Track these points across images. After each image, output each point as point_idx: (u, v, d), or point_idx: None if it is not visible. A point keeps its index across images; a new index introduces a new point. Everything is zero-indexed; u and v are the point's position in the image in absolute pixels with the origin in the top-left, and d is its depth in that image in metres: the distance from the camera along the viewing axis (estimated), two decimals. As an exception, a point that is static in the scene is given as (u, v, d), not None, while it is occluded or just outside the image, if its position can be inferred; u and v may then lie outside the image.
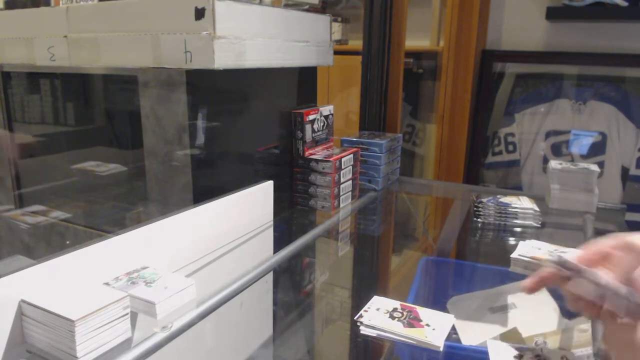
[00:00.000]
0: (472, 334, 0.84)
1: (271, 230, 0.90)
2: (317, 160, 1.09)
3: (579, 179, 1.13)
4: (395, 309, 0.70)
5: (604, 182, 1.60)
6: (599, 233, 1.03)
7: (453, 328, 0.71)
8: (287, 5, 1.05)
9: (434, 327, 0.66)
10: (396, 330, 0.65)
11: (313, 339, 0.85)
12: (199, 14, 0.80)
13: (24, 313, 0.53)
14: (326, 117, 1.17)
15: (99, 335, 0.52)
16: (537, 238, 0.91)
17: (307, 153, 1.11)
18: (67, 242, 1.06)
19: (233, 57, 0.85)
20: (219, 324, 0.73)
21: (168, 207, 0.91)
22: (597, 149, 1.64)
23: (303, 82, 1.16)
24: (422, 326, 0.66)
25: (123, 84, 0.99)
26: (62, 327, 0.50)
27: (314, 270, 1.00)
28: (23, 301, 0.52)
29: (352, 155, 1.15)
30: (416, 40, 1.96)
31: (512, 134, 1.75)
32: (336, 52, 1.21)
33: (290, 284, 0.93)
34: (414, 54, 1.96)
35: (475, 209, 1.12)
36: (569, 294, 0.51)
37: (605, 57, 1.60)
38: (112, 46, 0.89)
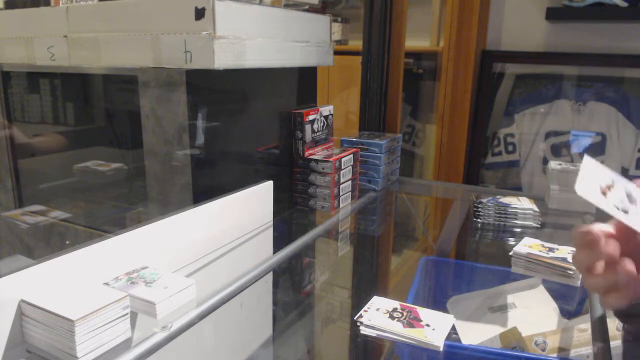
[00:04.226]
0: (472, 334, 0.84)
1: (271, 230, 0.90)
2: (316, 161, 1.09)
3: (578, 180, 1.13)
4: (395, 309, 0.70)
5: (603, 183, 1.60)
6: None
7: (453, 328, 0.71)
8: (287, 5, 1.05)
9: (434, 327, 0.66)
10: (396, 330, 0.65)
11: (313, 339, 0.85)
12: (199, 14, 0.80)
13: (24, 313, 0.53)
14: (326, 117, 1.17)
15: (99, 335, 0.52)
16: (537, 238, 0.91)
17: (307, 153, 1.11)
18: (67, 242, 1.06)
19: (233, 57, 0.85)
20: (219, 324, 0.73)
21: (168, 207, 0.91)
22: (596, 150, 1.64)
23: (303, 82, 1.16)
24: (422, 326, 0.66)
25: (123, 84, 0.99)
26: (62, 327, 0.50)
27: (314, 270, 1.00)
28: (23, 301, 0.52)
29: (351, 156, 1.15)
30: (416, 40, 1.96)
31: (512, 135, 1.75)
32: (336, 52, 1.21)
33: (290, 284, 0.93)
34: (414, 54, 1.96)
35: (475, 209, 1.12)
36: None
37: (605, 58, 1.60)
38: (112, 46, 0.89)
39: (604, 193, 0.48)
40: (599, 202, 0.47)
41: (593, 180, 0.48)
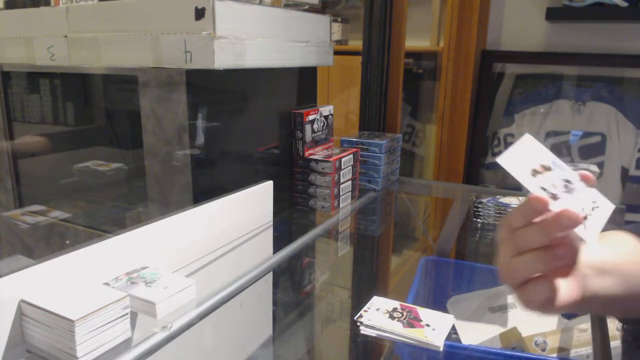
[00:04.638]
0: (472, 334, 0.84)
1: (271, 230, 0.91)
2: (317, 161, 1.09)
3: (578, 179, 1.13)
4: (395, 309, 0.70)
5: (603, 183, 1.61)
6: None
7: (453, 328, 0.71)
8: (287, 5, 1.05)
9: (434, 327, 0.66)
10: (396, 330, 0.65)
11: (313, 339, 0.85)
12: (199, 14, 0.80)
13: (24, 313, 0.53)
14: (326, 117, 1.17)
15: (99, 335, 0.52)
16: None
17: (307, 153, 1.11)
18: (67, 242, 1.06)
19: (233, 57, 0.85)
20: (219, 324, 0.73)
21: (168, 207, 0.91)
22: (596, 150, 1.64)
23: (303, 82, 1.16)
24: (422, 326, 0.66)
25: (123, 84, 0.99)
26: (62, 327, 0.50)
27: (314, 270, 1.00)
28: (23, 301, 0.52)
29: (352, 156, 1.15)
30: (416, 40, 1.96)
31: (512, 135, 1.75)
32: (336, 52, 1.21)
33: (290, 284, 0.93)
34: (414, 54, 1.96)
35: (475, 209, 1.12)
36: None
37: (604, 58, 1.60)
38: (112, 46, 0.89)
39: (535, 172, 0.44)
40: (522, 177, 0.43)
41: (525, 157, 0.45)
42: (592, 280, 0.46)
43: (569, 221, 0.40)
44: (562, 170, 0.45)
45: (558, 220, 0.40)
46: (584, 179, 0.45)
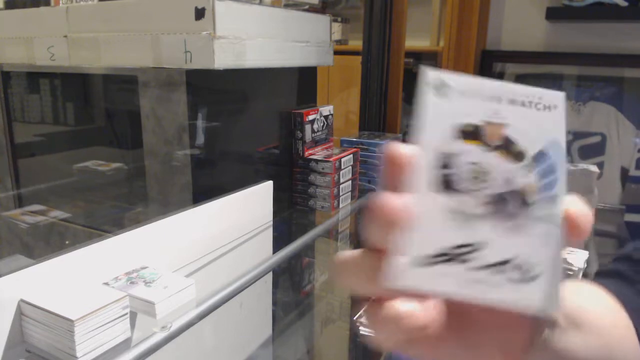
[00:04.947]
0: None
1: (271, 230, 0.91)
2: (316, 161, 1.09)
3: (578, 180, 1.13)
4: (394, 309, 0.70)
5: (603, 183, 1.61)
6: (598, 234, 1.03)
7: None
8: (287, 5, 1.05)
9: (434, 327, 0.66)
10: (396, 330, 0.65)
11: (313, 339, 0.85)
12: (199, 14, 0.80)
13: (23, 313, 0.53)
14: (326, 117, 1.17)
15: (99, 335, 0.52)
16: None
17: (306, 153, 1.11)
18: (67, 242, 1.06)
19: (233, 57, 0.85)
20: (219, 324, 0.73)
21: (168, 207, 0.91)
22: (596, 150, 1.64)
23: (303, 82, 1.16)
24: (421, 326, 0.66)
25: (123, 84, 0.99)
26: (61, 327, 0.50)
27: (313, 270, 1.00)
28: (22, 301, 0.52)
29: (351, 156, 1.15)
30: (416, 40, 1.96)
31: (512, 135, 1.75)
32: (336, 52, 1.21)
33: (290, 284, 0.93)
34: (414, 54, 1.96)
35: (475, 209, 1.12)
36: None
37: (605, 58, 1.60)
38: (112, 46, 0.89)
39: (468, 135, 0.23)
40: (429, 124, 0.22)
41: (486, 106, 0.23)
42: (564, 333, 0.33)
43: (381, 216, 0.23)
44: (530, 175, 0.24)
45: (376, 207, 0.24)
46: (568, 222, 0.26)
